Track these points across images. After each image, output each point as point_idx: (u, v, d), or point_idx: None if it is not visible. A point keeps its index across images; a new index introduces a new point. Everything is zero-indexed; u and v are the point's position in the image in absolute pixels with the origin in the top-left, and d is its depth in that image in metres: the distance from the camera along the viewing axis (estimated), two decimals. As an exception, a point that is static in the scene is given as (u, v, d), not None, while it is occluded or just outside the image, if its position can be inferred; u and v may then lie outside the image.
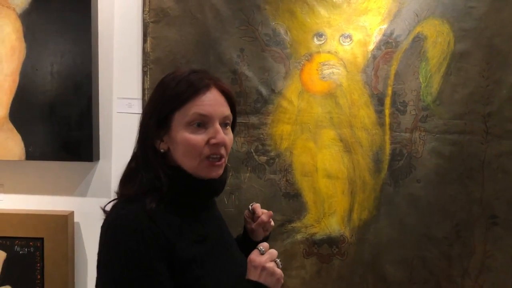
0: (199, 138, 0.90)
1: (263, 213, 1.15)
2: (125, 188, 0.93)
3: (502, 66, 1.58)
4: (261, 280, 0.90)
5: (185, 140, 0.90)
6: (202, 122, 0.91)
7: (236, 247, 1.11)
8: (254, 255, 0.91)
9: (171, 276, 0.85)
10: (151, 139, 0.93)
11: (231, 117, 0.97)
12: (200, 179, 0.93)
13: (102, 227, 0.88)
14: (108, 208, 0.92)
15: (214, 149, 0.91)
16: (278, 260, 0.94)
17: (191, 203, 0.95)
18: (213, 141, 0.91)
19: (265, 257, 0.91)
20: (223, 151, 0.93)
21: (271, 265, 0.90)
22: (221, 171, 0.95)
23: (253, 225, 1.16)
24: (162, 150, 0.93)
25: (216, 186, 0.98)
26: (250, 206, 1.18)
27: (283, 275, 0.92)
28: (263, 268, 0.89)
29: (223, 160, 0.94)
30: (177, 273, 0.86)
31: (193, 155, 0.91)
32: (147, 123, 0.94)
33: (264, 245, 0.93)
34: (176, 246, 0.86)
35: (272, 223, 1.19)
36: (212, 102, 0.92)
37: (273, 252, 0.92)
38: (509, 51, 1.58)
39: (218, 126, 0.92)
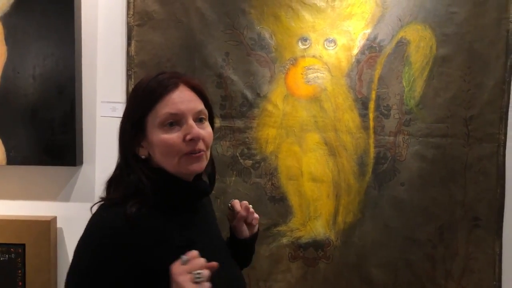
0: (174, 136, 0.89)
1: (242, 207, 1.12)
2: (111, 193, 0.93)
3: (483, 70, 1.61)
4: None
5: (161, 141, 0.89)
6: (174, 121, 0.90)
7: (226, 252, 1.08)
8: (174, 265, 0.81)
9: (147, 284, 0.83)
10: (130, 146, 0.93)
11: (205, 112, 0.96)
12: (184, 180, 0.93)
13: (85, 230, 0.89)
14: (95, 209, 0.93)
15: (191, 145, 0.90)
16: (199, 273, 0.78)
17: (176, 206, 0.94)
18: (188, 136, 0.89)
19: (181, 268, 0.80)
20: (201, 145, 0.91)
21: (183, 278, 0.78)
22: (203, 164, 0.93)
23: (235, 223, 1.12)
24: (143, 157, 0.93)
25: (201, 186, 0.97)
26: (229, 204, 1.15)
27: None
28: (174, 281, 0.79)
29: (201, 152, 0.92)
30: (154, 281, 0.84)
31: (172, 154, 0.90)
32: (124, 131, 0.94)
33: (190, 254, 0.82)
34: (154, 254, 0.84)
35: (256, 215, 1.14)
36: (181, 99, 0.91)
37: (196, 262, 0.80)
38: (489, 55, 1.61)
39: (191, 121, 0.91)
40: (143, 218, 0.86)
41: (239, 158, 1.64)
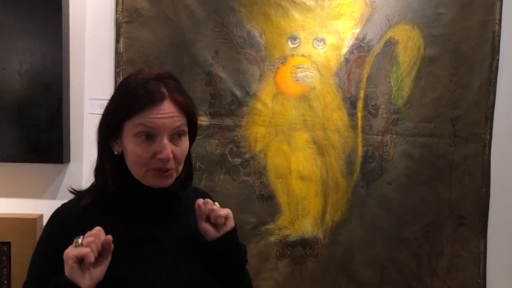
0: (144, 150, 0.89)
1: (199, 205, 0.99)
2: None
3: (469, 71, 1.63)
4: (66, 273, 0.78)
5: (132, 151, 0.90)
6: (150, 135, 0.89)
7: (191, 257, 0.99)
8: (67, 248, 0.79)
9: None
10: (106, 139, 0.95)
11: (185, 128, 0.94)
12: (147, 186, 0.94)
13: None
14: None
15: (159, 163, 0.90)
16: (79, 237, 0.79)
17: (137, 205, 0.95)
18: (158, 156, 0.89)
19: (71, 250, 0.79)
20: (171, 164, 0.91)
21: (68, 252, 0.78)
22: (170, 181, 0.93)
23: (199, 224, 0.99)
24: (116, 153, 0.94)
25: (162, 193, 0.94)
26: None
27: (73, 255, 0.77)
28: (64, 260, 0.79)
29: (170, 171, 0.92)
30: None
31: (139, 166, 0.91)
32: (101, 125, 0.96)
33: (87, 234, 0.81)
34: None
35: (221, 212, 0.98)
36: (162, 115, 0.89)
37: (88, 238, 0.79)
38: (475, 57, 1.63)
39: (165, 141, 0.89)
40: (97, 211, 0.92)
41: (228, 156, 1.64)
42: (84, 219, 0.90)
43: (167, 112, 0.90)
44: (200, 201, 0.97)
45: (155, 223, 0.96)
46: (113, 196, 0.94)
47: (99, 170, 0.96)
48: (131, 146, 0.90)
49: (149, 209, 0.96)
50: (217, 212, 0.98)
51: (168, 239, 0.97)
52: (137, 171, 0.92)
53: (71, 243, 0.80)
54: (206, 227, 0.98)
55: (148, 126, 0.89)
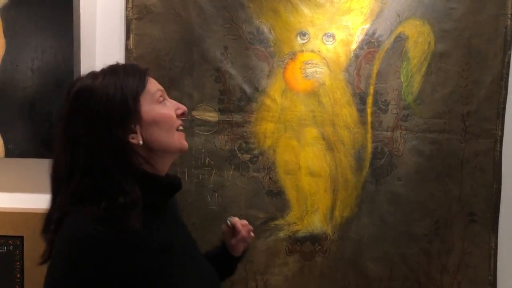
0: (170, 109, 0.93)
1: (242, 226, 1.14)
2: (89, 208, 0.82)
3: (481, 66, 1.61)
4: None
5: (163, 116, 0.91)
6: (162, 97, 0.94)
7: (198, 250, 1.05)
8: None
9: None
10: (123, 137, 0.85)
11: None
12: (159, 176, 0.92)
13: (63, 238, 0.82)
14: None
15: (179, 120, 0.95)
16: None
17: (152, 207, 0.88)
18: (179, 111, 0.94)
19: None
20: None
21: None
22: None
23: (234, 241, 1.14)
24: (141, 142, 0.87)
25: (175, 180, 0.97)
26: (228, 221, 1.14)
27: None
28: None
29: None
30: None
31: (172, 128, 0.92)
32: (111, 124, 0.84)
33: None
34: (136, 263, 0.80)
35: (252, 234, 1.18)
36: (153, 79, 0.96)
37: None
38: (487, 52, 1.61)
39: (171, 99, 0.97)
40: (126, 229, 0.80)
41: (237, 152, 1.64)
42: (127, 238, 0.80)
43: None
44: (249, 227, 1.15)
45: (168, 224, 0.95)
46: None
47: (122, 182, 0.84)
48: (159, 112, 0.90)
49: (160, 209, 0.93)
50: (251, 234, 1.16)
51: (181, 236, 0.99)
52: (171, 138, 0.92)
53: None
54: (236, 243, 1.14)
55: (161, 89, 0.94)
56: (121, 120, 0.85)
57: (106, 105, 0.85)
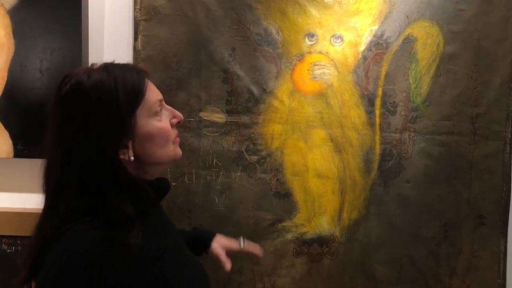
0: (165, 122, 0.88)
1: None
2: (81, 225, 0.79)
3: (490, 68, 1.60)
4: None
5: (159, 130, 0.85)
6: (160, 108, 0.88)
7: (187, 250, 1.02)
8: None
9: None
10: (113, 153, 0.80)
11: None
12: (147, 180, 0.86)
13: (61, 254, 0.77)
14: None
15: (175, 129, 0.91)
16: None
17: (143, 213, 0.84)
18: (174, 120, 0.90)
19: None
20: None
21: None
22: None
23: (224, 252, 1.21)
24: (132, 158, 0.82)
25: (163, 183, 0.93)
26: (242, 241, 1.24)
27: None
28: None
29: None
30: None
31: (168, 142, 0.88)
32: (102, 137, 0.79)
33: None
34: (130, 271, 0.77)
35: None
36: (152, 85, 0.89)
37: None
38: (497, 53, 1.60)
39: (168, 106, 0.91)
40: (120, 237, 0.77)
41: (245, 153, 1.64)
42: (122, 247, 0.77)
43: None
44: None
45: (160, 227, 0.93)
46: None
47: (115, 200, 0.80)
48: (155, 126, 0.85)
49: (151, 213, 0.89)
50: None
51: (173, 239, 0.96)
52: (167, 151, 0.88)
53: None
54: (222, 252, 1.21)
55: (159, 99, 0.88)
56: (114, 134, 0.80)
57: (99, 116, 0.80)
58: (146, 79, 0.88)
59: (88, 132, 0.79)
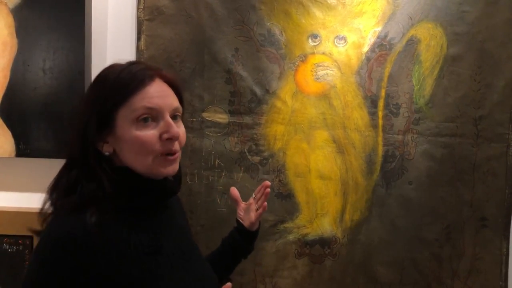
0: (150, 134, 0.82)
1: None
2: (65, 200, 0.83)
3: (493, 70, 1.60)
4: None
5: (135, 138, 0.81)
6: (151, 116, 0.82)
7: (198, 256, 1.01)
8: None
9: None
10: (92, 142, 0.83)
11: (181, 109, 0.89)
12: (151, 179, 0.85)
13: (39, 240, 0.81)
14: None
15: (167, 145, 0.83)
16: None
17: (141, 209, 0.86)
18: (165, 136, 0.82)
19: None
20: (177, 146, 0.85)
21: None
22: (177, 166, 0.87)
23: (254, 218, 1.17)
24: (107, 153, 0.84)
25: (169, 185, 0.90)
26: (254, 195, 1.20)
27: None
28: None
29: (177, 154, 0.86)
30: None
31: (145, 154, 0.82)
32: (86, 125, 0.82)
33: None
34: (119, 266, 0.78)
35: (265, 203, 1.19)
36: (159, 93, 0.84)
37: None
38: (500, 55, 1.60)
39: (169, 119, 0.83)
40: (105, 228, 0.78)
41: (247, 154, 1.64)
42: (105, 238, 0.78)
43: (164, 90, 0.86)
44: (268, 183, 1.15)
45: (159, 227, 0.90)
46: (114, 204, 0.82)
47: (88, 176, 0.82)
48: (131, 134, 0.81)
49: (151, 212, 0.89)
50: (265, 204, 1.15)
51: (175, 240, 0.94)
52: (141, 162, 0.83)
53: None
54: (254, 217, 1.16)
55: (149, 107, 0.82)
56: (94, 123, 0.82)
57: (93, 100, 0.85)
58: (155, 84, 0.85)
59: (79, 117, 0.85)
